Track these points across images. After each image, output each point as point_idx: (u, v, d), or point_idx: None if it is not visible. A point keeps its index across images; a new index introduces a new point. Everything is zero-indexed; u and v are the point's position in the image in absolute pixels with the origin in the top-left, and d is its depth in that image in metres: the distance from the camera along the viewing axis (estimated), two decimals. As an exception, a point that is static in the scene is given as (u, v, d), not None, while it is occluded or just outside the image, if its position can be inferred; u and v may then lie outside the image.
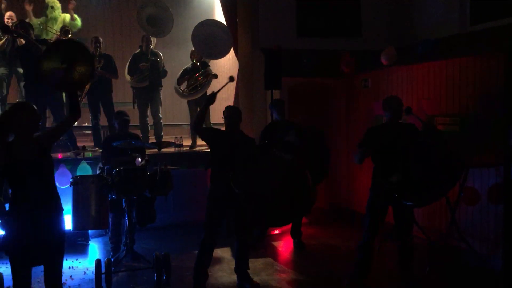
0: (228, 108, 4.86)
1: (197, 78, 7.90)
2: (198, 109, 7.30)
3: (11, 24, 7.34)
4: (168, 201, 5.82)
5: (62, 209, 3.55)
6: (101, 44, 7.54)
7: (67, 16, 8.51)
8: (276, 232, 6.77)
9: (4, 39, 7.42)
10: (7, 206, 3.61)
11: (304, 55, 7.38)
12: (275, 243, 6.42)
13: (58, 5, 8.48)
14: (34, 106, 3.51)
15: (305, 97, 8.00)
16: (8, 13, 7.86)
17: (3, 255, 4.07)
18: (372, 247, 4.60)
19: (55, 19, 8.39)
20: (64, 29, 7.88)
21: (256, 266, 5.41)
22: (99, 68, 7.32)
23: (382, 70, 6.91)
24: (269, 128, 6.16)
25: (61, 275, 3.63)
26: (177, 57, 9.28)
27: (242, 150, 4.62)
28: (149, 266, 4.98)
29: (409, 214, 4.57)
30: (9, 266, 3.48)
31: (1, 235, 3.54)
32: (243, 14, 7.95)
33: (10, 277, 3.44)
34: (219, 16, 8.89)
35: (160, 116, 8.12)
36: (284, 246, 6.36)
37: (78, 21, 8.55)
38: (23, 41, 7.07)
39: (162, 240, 6.48)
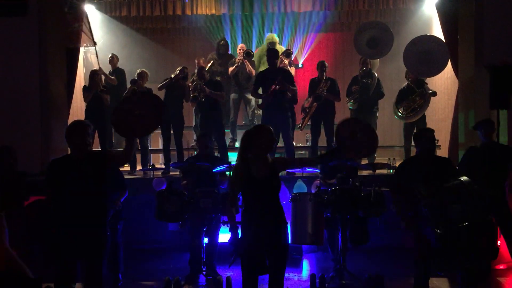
0: None
1: (414, 99, 7.59)
2: (415, 131, 6.97)
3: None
4: (381, 223, 5.73)
5: (287, 222, 3.82)
6: (326, 68, 7.67)
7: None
8: (501, 267, 6.09)
9: (235, 65, 8.37)
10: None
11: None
12: (501, 279, 5.79)
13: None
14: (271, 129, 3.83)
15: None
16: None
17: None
18: None
19: None
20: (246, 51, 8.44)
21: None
22: (324, 91, 7.48)
23: None
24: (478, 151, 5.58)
25: (283, 285, 3.86)
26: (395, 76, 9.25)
27: None
28: (362, 286, 4.99)
29: None
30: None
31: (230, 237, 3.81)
32: (465, 30, 7.52)
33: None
34: (437, 33, 8.51)
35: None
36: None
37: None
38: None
39: (376, 263, 6.34)
